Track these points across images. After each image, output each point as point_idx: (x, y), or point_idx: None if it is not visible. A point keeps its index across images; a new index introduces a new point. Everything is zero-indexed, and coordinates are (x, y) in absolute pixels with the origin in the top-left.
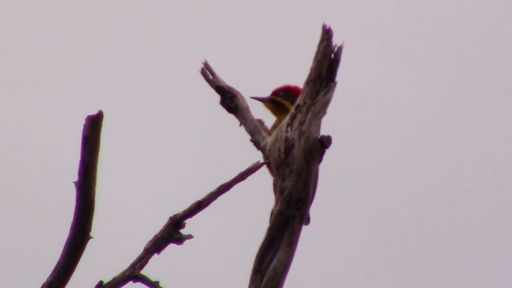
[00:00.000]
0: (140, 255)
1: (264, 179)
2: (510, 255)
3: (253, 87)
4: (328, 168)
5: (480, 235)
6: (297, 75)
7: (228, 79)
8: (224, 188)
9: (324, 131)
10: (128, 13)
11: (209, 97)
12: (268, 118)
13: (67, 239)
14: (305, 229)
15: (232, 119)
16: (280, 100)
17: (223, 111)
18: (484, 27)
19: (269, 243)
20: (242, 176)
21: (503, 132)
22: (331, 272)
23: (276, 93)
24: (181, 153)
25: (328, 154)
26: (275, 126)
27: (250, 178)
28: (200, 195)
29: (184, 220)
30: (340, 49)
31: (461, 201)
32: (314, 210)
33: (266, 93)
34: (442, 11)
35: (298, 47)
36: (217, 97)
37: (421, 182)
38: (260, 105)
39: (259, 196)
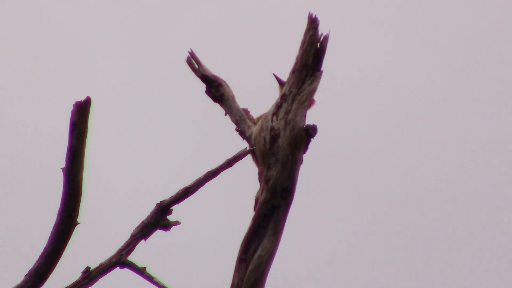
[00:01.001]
0: (127, 241)
1: (251, 167)
2: (501, 249)
3: (241, 76)
4: (314, 158)
5: (471, 230)
6: (284, 63)
7: (215, 68)
8: (211, 174)
9: (309, 120)
10: (115, 2)
11: (195, 86)
12: (253, 107)
13: (54, 225)
14: (290, 218)
15: (218, 108)
16: None
17: (209, 100)
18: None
19: (254, 232)
20: (229, 163)
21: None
22: (316, 261)
23: None
24: (168, 141)
25: (313, 143)
26: (263, 115)
27: (237, 166)
28: (187, 182)
29: (171, 207)
30: (326, 38)
31: (453, 195)
32: (300, 200)
33: (256, 82)
34: (432, 2)
35: (286, 35)
36: (203, 86)
37: (409, 173)
38: (246, 94)
39: (246, 184)
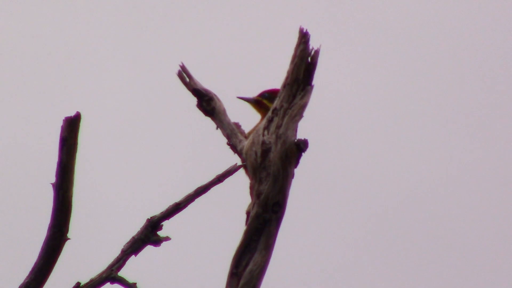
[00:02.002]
0: (117, 257)
1: (241, 182)
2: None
3: (232, 90)
4: (306, 172)
5: (469, 232)
6: (275, 78)
7: (206, 81)
8: (202, 190)
9: (300, 134)
10: (108, 14)
11: (186, 100)
12: (245, 121)
13: (44, 240)
14: (281, 232)
15: (209, 122)
16: (265, 102)
17: (200, 114)
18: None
19: (246, 246)
20: (219, 179)
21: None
22: (307, 275)
23: (262, 94)
24: (158, 155)
25: (305, 157)
26: (254, 129)
27: (227, 181)
28: (178, 197)
29: (161, 222)
30: (317, 52)
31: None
32: (291, 214)
33: (249, 95)
34: (423, 11)
35: (277, 49)
36: (194, 100)
37: (402, 188)
38: (238, 108)
39: (236, 199)
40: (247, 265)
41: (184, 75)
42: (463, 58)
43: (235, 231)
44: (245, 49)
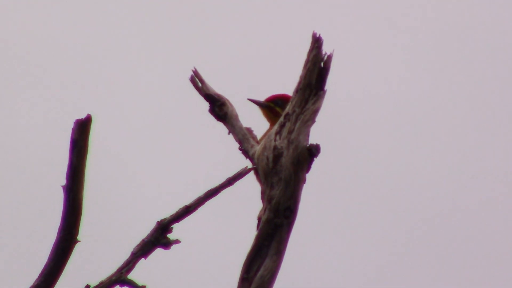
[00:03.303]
0: (127, 259)
1: (252, 185)
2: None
3: (244, 95)
4: (317, 177)
5: (481, 236)
6: (288, 83)
7: (218, 85)
8: (212, 193)
9: (312, 140)
10: (120, 16)
11: (198, 104)
12: (257, 126)
13: (54, 243)
14: (293, 237)
15: (221, 126)
16: (277, 109)
17: (212, 118)
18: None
19: (257, 251)
20: (229, 182)
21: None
22: (318, 281)
23: (273, 100)
24: (170, 159)
25: (316, 163)
26: (266, 134)
27: (239, 185)
28: (188, 200)
29: (171, 225)
30: (329, 57)
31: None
32: (302, 219)
33: (260, 99)
34: (436, 16)
35: (290, 54)
36: (206, 104)
37: (416, 191)
38: (250, 113)
39: (248, 204)
40: (258, 270)
41: (196, 80)
42: (479, 60)
43: (246, 236)
44: (258, 54)
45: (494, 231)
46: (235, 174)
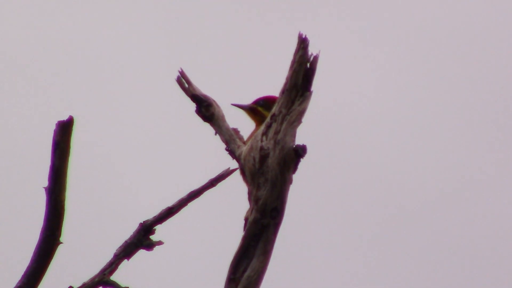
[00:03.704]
0: (110, 261)
1: (239, 186)
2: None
3: (231, 96)
4: (304, 178)
5: (480, 236)
6: (274, 84)
7: (205, 86)
8: (194, 194)
9: (299, 140)
10: (106, 17)
11: (185, 105)
12: (243, 127)
13: (37, 244)
14: (279, 238)
15: (208, 127)
16: (259, 109)
17: (198, 119)
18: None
19: (244, 251)
20: (212, 183)
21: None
22: (305, 282)
23: (257, 102)
24: (155, 160)
25: (303, 163)
26: (252, 135)
27: (226, 186)
28: (172, 202)
29: (154, 226)
30: (316, 58)
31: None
32: (289, 219)
33: (246, 101)
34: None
35: (276, 55)
36: (192, 105)
37: (402, 192)
38: (236, 114)
39: (235, 205)
40: (244, 271)
41: (183, 81)
42: (468, 60)
43: (233, 236)
44: (243, 55)
45: (494, 230)
46: (217, 176)
